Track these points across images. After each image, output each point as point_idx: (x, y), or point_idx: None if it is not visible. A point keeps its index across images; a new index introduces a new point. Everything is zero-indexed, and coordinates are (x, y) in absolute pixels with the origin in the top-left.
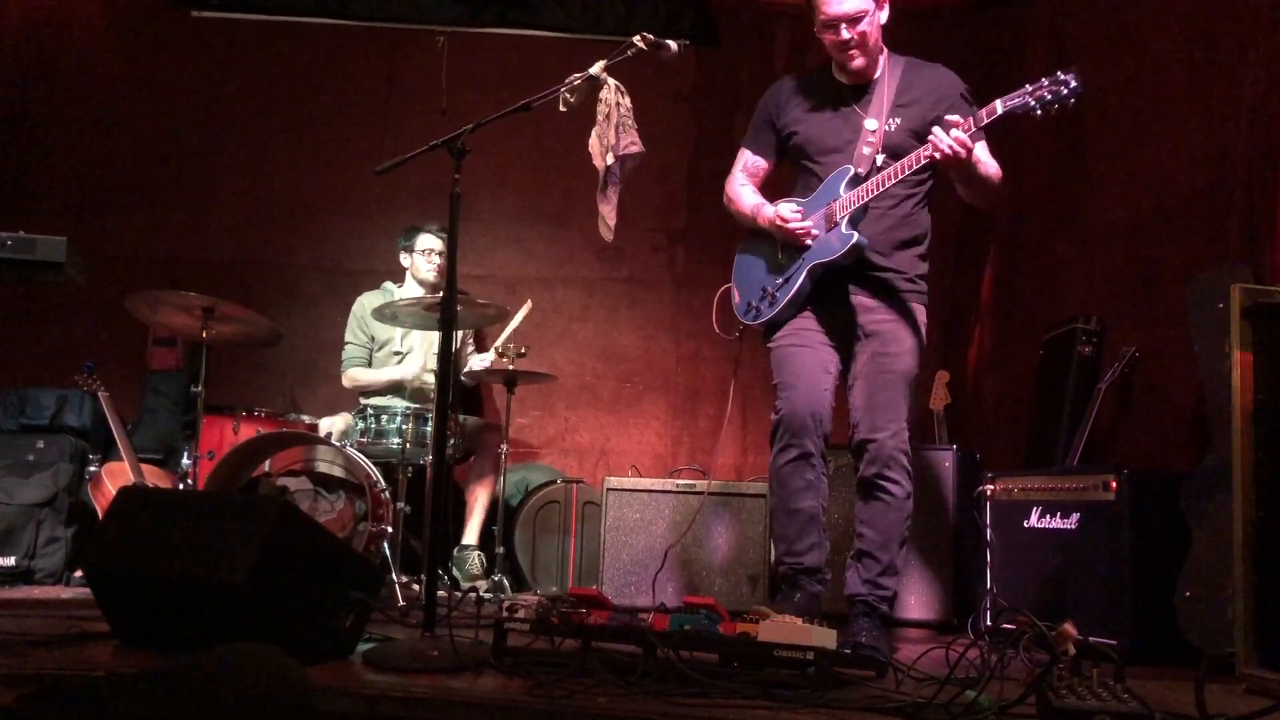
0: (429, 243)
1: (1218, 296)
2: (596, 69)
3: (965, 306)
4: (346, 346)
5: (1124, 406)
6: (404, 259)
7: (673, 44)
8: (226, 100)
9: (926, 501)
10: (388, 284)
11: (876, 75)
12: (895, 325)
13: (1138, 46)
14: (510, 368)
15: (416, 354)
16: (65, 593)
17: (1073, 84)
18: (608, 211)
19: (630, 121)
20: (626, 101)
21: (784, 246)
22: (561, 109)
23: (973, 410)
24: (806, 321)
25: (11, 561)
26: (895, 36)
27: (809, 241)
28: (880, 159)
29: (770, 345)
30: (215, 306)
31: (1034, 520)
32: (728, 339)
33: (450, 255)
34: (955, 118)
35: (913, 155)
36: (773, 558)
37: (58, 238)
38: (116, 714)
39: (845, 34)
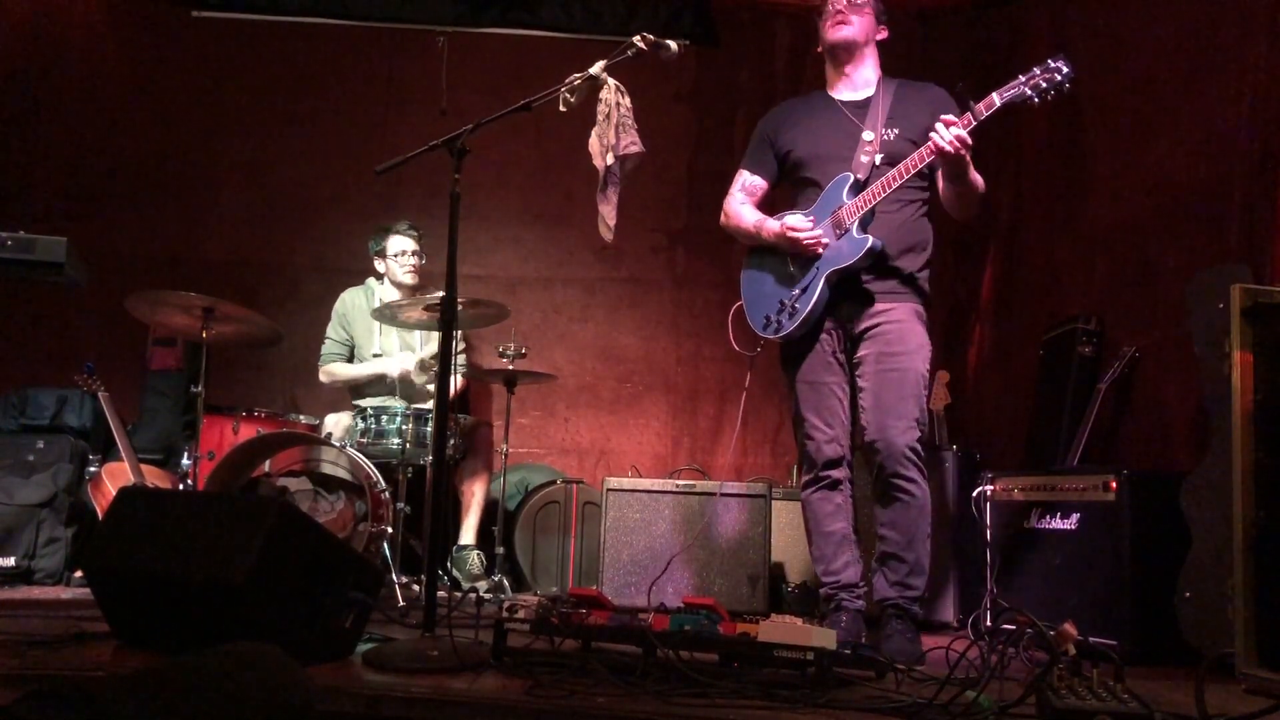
0: (401, 244)
1: (1218, 296)
2: (596, 69)
3: (965, 306)
4: (325, 341)
5: (1124, 406)
6: (378, 264)
7: (673, 44)
8: (226, 100)
9: None
10: (371, 280)
11: (871, 94)
12: (901, 326)
13: (1138, 46)
14: (510, 368)
15: (395, 354)
16: (65, 593)
17: (1064, 70)
18: (608, 212)
19: (630, 121)
20: (626, 101)
21: (794, 258)
22: (561, 109)
23: (973, 410)
24: (823, 348)
25: (11, 562)
26: (895, 36)
27: (820, 250)
28: (879, 165)
29: (791, 375)
30: (215, 306)
31: (1034, 520)
32: (746, 354)
33: (450, 255)
34: (951, 117)
35: (914, 155)
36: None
37: (58, 238)
38: (116, 714)
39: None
